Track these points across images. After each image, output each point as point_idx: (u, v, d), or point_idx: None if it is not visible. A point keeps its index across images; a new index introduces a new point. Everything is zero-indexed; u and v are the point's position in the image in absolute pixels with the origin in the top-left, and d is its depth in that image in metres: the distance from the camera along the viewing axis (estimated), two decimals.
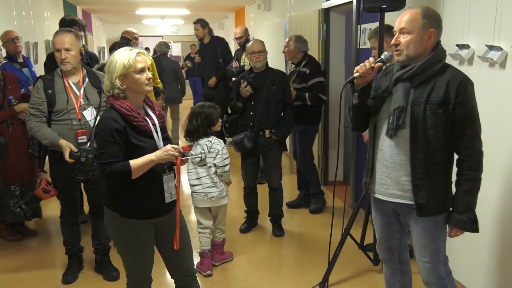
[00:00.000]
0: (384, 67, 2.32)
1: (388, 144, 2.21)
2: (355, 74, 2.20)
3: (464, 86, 2.07)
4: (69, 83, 3.05)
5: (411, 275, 2.55)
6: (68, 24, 4.10)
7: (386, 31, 3.23)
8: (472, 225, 2.15)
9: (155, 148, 2.17)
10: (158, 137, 2.23)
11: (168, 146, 2.15)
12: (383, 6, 2.94)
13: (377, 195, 2.32)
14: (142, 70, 2.16)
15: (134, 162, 2.11)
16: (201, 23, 6.17)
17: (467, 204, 2.14)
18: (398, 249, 2.46)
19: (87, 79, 3.11)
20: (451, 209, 2.19)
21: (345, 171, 5.48)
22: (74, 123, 3.01)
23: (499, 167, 2.68)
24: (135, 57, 2.15)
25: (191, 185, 3.41)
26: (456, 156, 2.18)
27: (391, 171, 2.22)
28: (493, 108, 2.67)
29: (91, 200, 3.31)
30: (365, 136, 3.57)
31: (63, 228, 3.30)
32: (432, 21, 2.11)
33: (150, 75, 2.20)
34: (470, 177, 2.12)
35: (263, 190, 4.30)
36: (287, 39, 4.53)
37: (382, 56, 2.24)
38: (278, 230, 4.13)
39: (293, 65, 4.66)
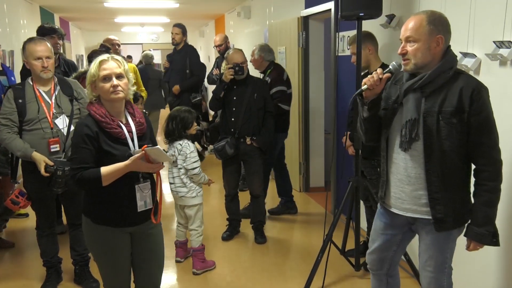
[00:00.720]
0: (393, 76, 2.23)
1: (403, 157, 2.13)
2: (363, 87, 2.12)
3: (478, 92, 1.97)
4: (39, 92, 3.02)
5: (399, 286, 2.50)
6: (47, 32, 4.04)
7: (367, 38, 3.27)
8: (492, 239, 2.04)
9: (128, 155, 2.14)
10: (133, 145, 2.20)
11: (132, 158, 2.07)
12: (360, 14, 2.98)
13: (393, 209, 2.23)
14: (105, 78, 2.13)
15: (105, 169, 2.09)
16: (182, 29, 6.07)
17: (486, 216, 2.03)
18: (389, 262, 2.38)
19: (58, 87, 3.08)
20: (469, 221, 2.10)
21: (326, 177, 5.52)
22: (47, 131, 2.96)
23: None
24: (97, 66, 2.14)
25: (169, 183, 3.59)
26: (473, 166, 2.10)
27: (406, 185, 2.14)
28: None
29: (67, 211, 3.26)
30: (345, 142, 3.59)
31: (39, 239, 3.23)
32: (439, 26, 2.00)
33: (116, 83, 2.13)
34: (489, 188, 2.02)
35: (245, 198, 4.29)
36: (253, 49, 4.55)
37: (390, 66, 2.15)
38: (260, 238, 4.12)
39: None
